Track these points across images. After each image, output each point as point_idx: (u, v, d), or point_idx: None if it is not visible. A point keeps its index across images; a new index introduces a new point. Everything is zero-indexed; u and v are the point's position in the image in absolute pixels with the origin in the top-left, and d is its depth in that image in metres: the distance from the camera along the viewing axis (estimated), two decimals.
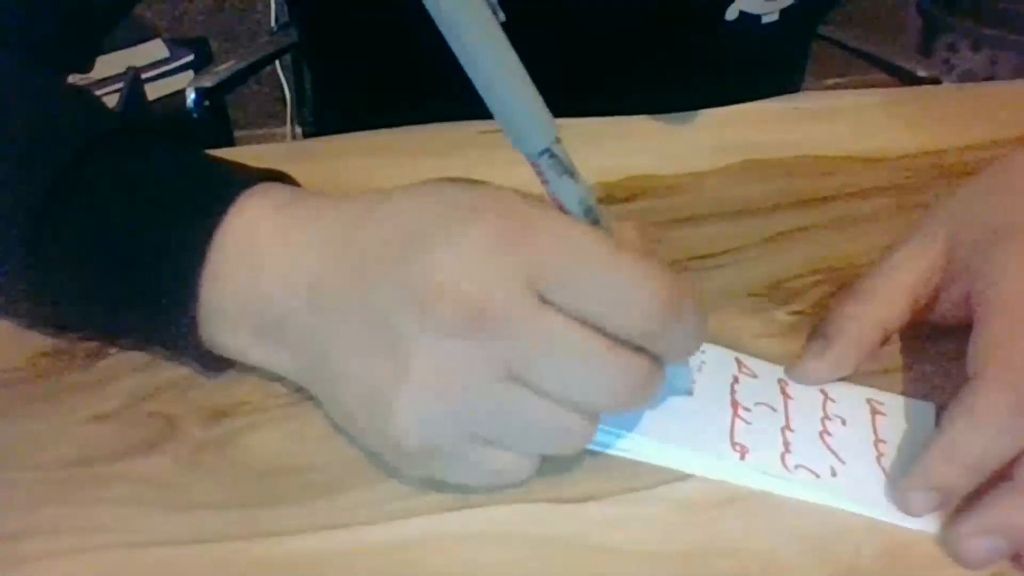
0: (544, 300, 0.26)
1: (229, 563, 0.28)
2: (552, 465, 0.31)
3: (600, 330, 0.26)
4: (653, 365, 0.27)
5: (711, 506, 0.30)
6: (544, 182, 0.26)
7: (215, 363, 0.33)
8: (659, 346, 0.27)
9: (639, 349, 0.27)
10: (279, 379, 0.34)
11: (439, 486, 0.30)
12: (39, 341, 0.36)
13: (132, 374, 0.34)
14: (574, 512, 0.30)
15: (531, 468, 0.29)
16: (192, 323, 0.31)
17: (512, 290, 0.26)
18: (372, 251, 0.28)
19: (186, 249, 0.30)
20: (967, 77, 1.91)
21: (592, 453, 0.31)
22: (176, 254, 0.31)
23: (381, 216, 0.29)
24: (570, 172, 0.26)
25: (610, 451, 0.31)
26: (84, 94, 0.37)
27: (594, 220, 0.27)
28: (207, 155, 0.34)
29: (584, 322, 0.26)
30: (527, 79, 0.24)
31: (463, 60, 0.23)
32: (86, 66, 0.47)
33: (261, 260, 0.30)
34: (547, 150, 0.26)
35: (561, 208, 0.27)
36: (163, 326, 0.32)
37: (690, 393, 0.33)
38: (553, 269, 0.26)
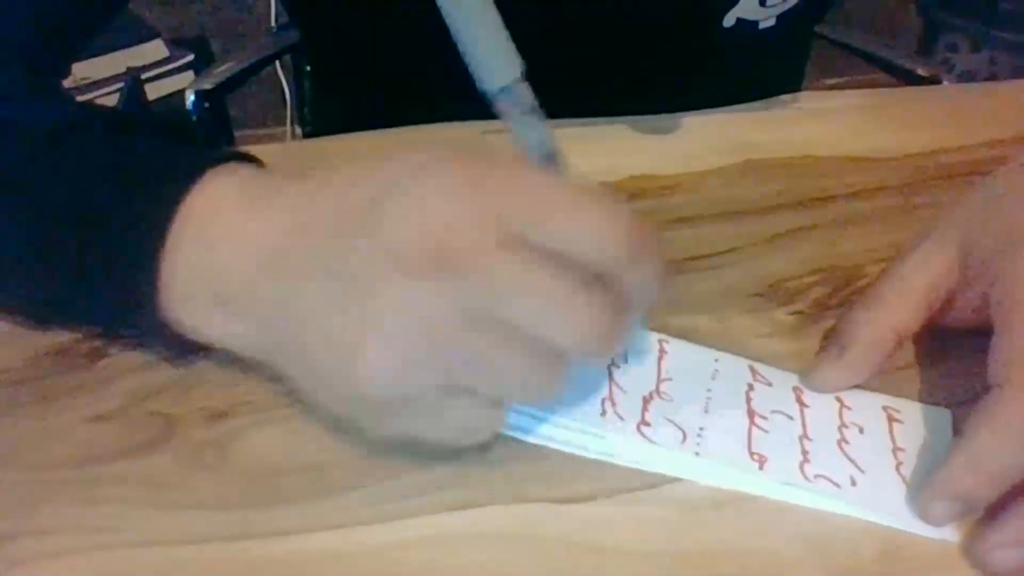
0: (510, 238, 0.26)
1: (229, 563, 0.28)
2: (552, 465, 0.31)
3: (568, 269, 0.26)
4: (619, 308, 0.27)
5: (711, 506, 0.30)
6: (507, 122, 0.26)
7: (181, 345, 0.33)
8: (627, 277, 0.27)
9: (606, 291, 0.27)
10: (279, 379, 0.33)
11: (439, 486, 0.30)
12: (39, 341, 0.36)
13: (132, 374, 0.34)
14: (574, 512, 0.30)
15: (497, 423, 0.29)
16: (153, 298, 0.31)
17: (476, 228, 0.25)
18: (332, 211, 0.28)
19: (147, 224, 0.31)
20: (967, 77, 1.91)
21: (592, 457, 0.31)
22: (138, 229, 0.31)
23: (340, 181, 0.29)
24: (533, 112, 0.26)
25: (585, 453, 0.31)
26: (58, 91, 0.37)
27: (553, 164, 0.27)
28: (176, 140, 0.34)
29: (551, 259, 0.26)
30: (497, 19, 0.24)
31: None
32: (63, 72, 0.48)
33: (219, 232, 0.30)
34: (507, 88, 0.26)
35: (523, 154, 0.27)
36: (125, 303, 0.31)
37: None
38: (517, 206, 0.26)
